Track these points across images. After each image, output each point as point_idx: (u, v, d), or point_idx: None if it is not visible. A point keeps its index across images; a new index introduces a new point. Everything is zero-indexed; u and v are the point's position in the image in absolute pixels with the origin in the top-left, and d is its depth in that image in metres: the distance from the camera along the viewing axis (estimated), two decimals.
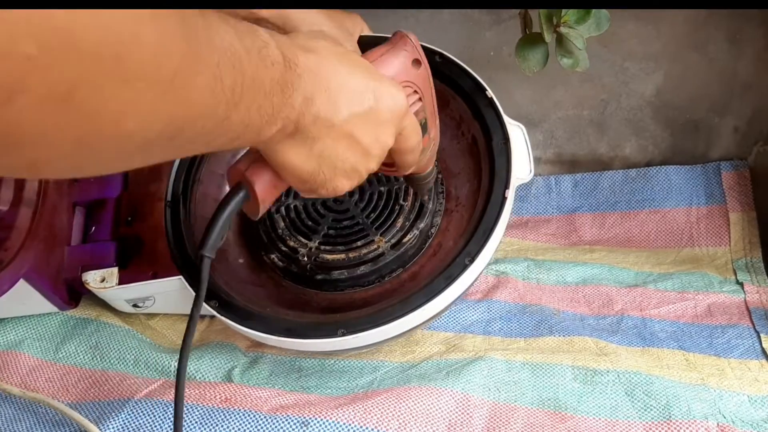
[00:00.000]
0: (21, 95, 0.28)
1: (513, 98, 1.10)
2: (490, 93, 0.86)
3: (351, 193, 0.91)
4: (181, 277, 0.85)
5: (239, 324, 0.79)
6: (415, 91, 0.63)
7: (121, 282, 0.90)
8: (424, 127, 0.66)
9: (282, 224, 0.90)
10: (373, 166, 0.58)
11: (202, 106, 0.39)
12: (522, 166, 0.85)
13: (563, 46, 0.76)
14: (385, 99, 0.55)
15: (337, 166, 0.55)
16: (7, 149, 0.31)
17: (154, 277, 0.89)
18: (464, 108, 0.88)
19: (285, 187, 0.59)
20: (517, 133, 0.86)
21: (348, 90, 0.53)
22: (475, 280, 0.81)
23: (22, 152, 0.32)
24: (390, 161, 0.64)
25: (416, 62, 0.62)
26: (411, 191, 0.90)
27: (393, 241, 0.87)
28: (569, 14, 0.74)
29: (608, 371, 0.81)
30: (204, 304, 0.82)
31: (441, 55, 0.89)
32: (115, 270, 0.91)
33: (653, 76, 1.07)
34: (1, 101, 0.28)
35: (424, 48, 0.90)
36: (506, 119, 0.85)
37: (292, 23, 0.79)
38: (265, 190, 0.57)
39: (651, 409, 0.75)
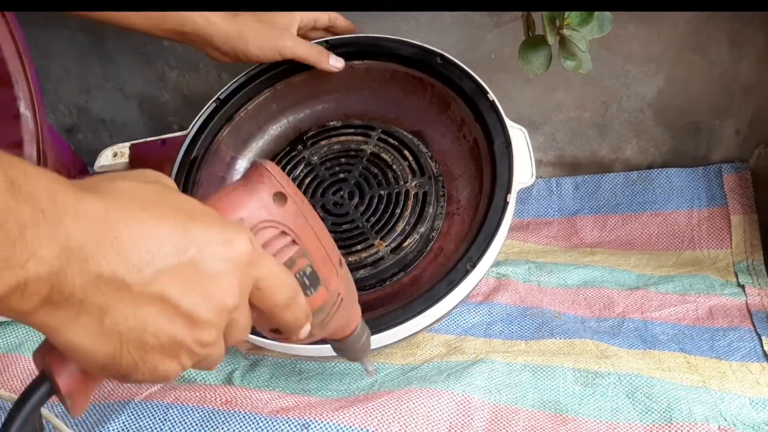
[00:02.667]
0: None
1: (514, 100, 1.10)
2: (491, 96, 0.86)
3: (351, 196, 0.91)
4: None
5: None
6: (283, 233, 0.48)
7: None
8: (310, 277, 0.50)
9: None
10: (211, 335, 0.42)
11: None
12: (524, 170, 0.84)
13: (566, 48, 0.76)
14: (213, 245, 0.41)
15: (148, 341, 0.40)
16: None
17: None
18: (465, 110, 0.87)
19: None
20: (518, 137, 0.86)
21: (151, 239, 0.39)
22: (476, 284, 0.81)
23: None
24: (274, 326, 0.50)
25: (280, 197, 0.48)
26: (411, 195, 0.89)
27: (393, 245, 0.87)
28: (572, 16, 0.74)
29: (609, 373, 0.81)
30: None
31: (442, 56, 0.89)
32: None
33: (654, 78, 1.07)
34: None
35: (425, 50, 0.90)
36: (508, 122, 0.85)
37: (211, 39, 0.87)
38: (71, 382, 0.42)
39: (652, 412, 0.75)
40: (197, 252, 0.40)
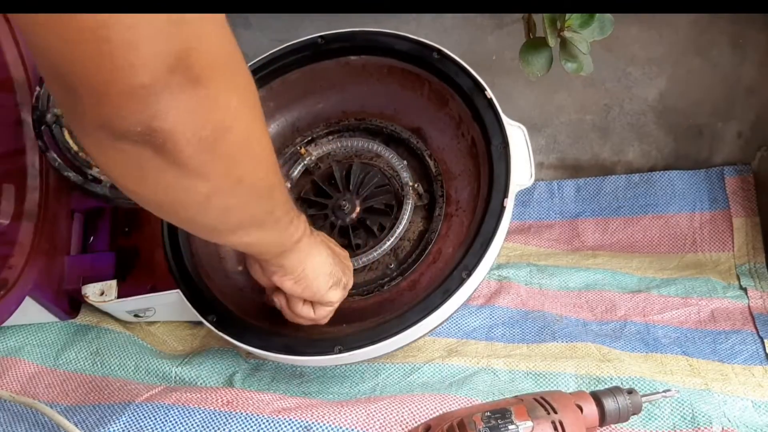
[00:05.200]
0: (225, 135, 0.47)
1: (515, 103, 1.10)
2: (489, 93, 0.84)
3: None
4: (179, 290, 0.85)
5: (236, 339, 0.79)
6: None
7: (120, 295, 0.90)
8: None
9: None
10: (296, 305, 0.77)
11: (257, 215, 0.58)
12: (522, 170, 0.82)
13: (567, 50, 0.76)
14: (322, 297, 0.76)
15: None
16: (196, 179, 0.48)
17: (153, 290, 0.89)
18: (464, 108, 0.86)
19: None
20: (517, 135, 0.84)
21: (305, 284, 0.73)
22: (473, 292, 0.80)
23: (202, 184, 0.49)
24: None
25: None
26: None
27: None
28: (573, 18, 0.73)
29: (611, 378, 0.81)
30: (202, 318, 0.82)
31: (439, 51, 0.88)
32: (114, 283, 0.91)
33: (656, 80, 1.06)
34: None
35: (421, 44, 0.90)
36: (506, 120, 0.83)
37: None
38: None
39: (655, 416, 0.75)
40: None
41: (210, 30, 0.42)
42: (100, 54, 0.38)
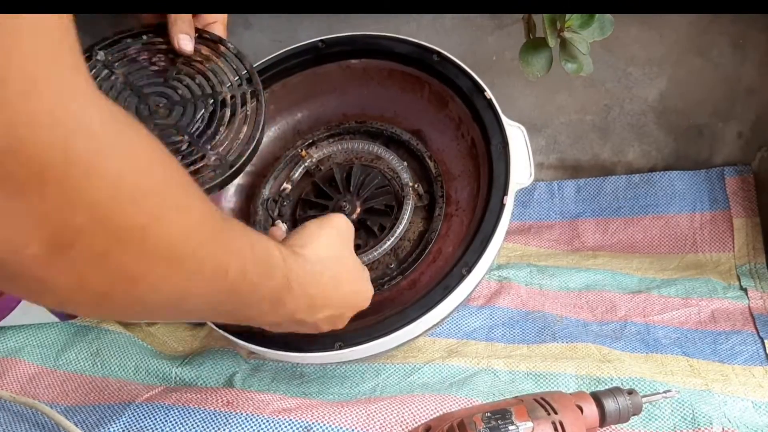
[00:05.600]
0: (65, 252, 0.34)
1: (516, 103, 1.10)
2: (489, 94, 0.84)
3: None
4: None
5: (236, 337, 0.79)
6: None
7: None
8: None
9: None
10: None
11: (203, 288, 0.44)
12: (522, 169, 0.83)
13: (567, 50, 0.76)
14: (358, 303, 0.70)
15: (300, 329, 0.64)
16: (41, 293, 0.37)
17: None
18: (463, 109, 0.86)
19: None
20: (516, 135, 0.84)
21: (328, 303, 0.64)
22: (473, 289, 0.80)
23: (52, 296, 0.38)
24: None
25: None
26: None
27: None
28: (573, 19, 0.73)
29: (611, 379, 0.81)
30: None
31: (439, 53, 0.88)
32: None
33: (657, 81, 1.06)
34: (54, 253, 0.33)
35: (421, 47, 0.90)
36: (506, 120, 0.84)
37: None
38: None
39: (655, 417, 0.75)
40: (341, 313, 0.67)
41: (48, 111, 0.30)
42: None
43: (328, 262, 0.63)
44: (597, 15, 0.74)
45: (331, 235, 0.65)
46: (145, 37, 0.78)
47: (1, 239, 0.32)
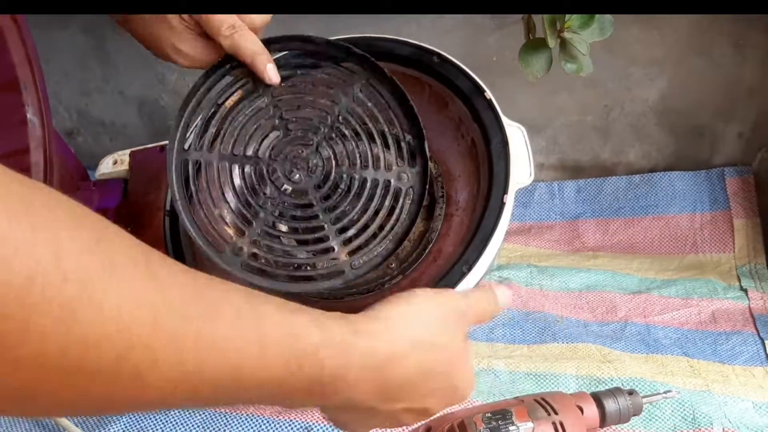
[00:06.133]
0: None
1: (516, 104, 1.10)
2: (488, 94, 0.84)
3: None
4: None
5: None
6: None
7: None
8: None
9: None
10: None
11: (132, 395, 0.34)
12: (522, 169, 0.83)
13: (567, 51, 0.76)
14: (453, 398, 0.55)
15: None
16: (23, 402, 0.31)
17: None
18: (463, 110, 0.86)
19: None
20: (516, 135, 0.84)
21: (410, 393, 0.52)
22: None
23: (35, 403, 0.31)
24: None
25: None
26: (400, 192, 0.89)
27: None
28: (573, 19, 0.73)
29: (612, 379, 0.81)
30: None
31: (439, 55, 0.88)
32: None
33: (657, 81, 1.06)
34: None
35: (422, 48, 0.90)
36: (506, 121, 0.84)
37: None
38: None
39: (655, 417, 0.75)
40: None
41: None
42: None
43: (418, 345, 0.51)
44: (597, 15, 0.74)
45: (433, 314, 0.54)
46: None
47: None
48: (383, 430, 0.60)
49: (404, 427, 0.60)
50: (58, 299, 0.29)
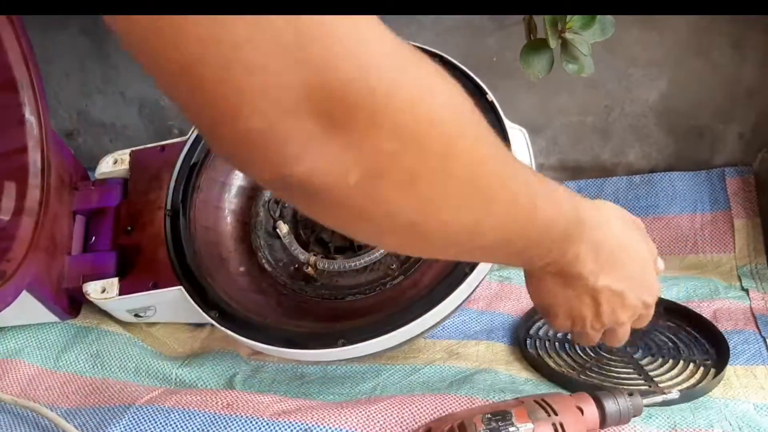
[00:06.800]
0: (380, 179, 0.37)
1: (516, 104, 1.10)
2: (490, 96, 0.85)
3: None
4: (181, 287, 0.85)
5: (239, 334, 0.79)
6: None
7: (121, 292, 0.90)
8: None
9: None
10: (595, 329, 0.64)
11: (497, 217, 0.45)
12: None
13: (568, 51, 0.76)
14: (642, 292, 0.62)
15: (572, 313, 0.62)
16: (360, 221, 0.40)
17: (155, 287, 0.89)
18: None
19: None
20: (518, 137, 0.85)
21: (613, 265, 0.59)
22: (475, 288, 0.80)
23: (368, 225, 0.41)
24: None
25: None
26: None
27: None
28: (574, 20, 0.73)
29: None
30: (204, 314, 0.82)
31: (441, 57, 0.88)
32: (116, 280, 0.91)
33: (657, 82, 1.06)
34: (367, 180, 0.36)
35: (425, 51, 0.90)
36: (507, 123, 0.84)
37: None
38: None
39: (655, 417, 0.75)
40: (629, 291, 0.61)
41: (348, 49, 0.34)
42: (200, 91, 0.33)
43: (617, 226, 0.62)
44: (598, 16, 0.74)
45: (620, 216, 0.64)
46: None
47: (325, 169, 0.35)
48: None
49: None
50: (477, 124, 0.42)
